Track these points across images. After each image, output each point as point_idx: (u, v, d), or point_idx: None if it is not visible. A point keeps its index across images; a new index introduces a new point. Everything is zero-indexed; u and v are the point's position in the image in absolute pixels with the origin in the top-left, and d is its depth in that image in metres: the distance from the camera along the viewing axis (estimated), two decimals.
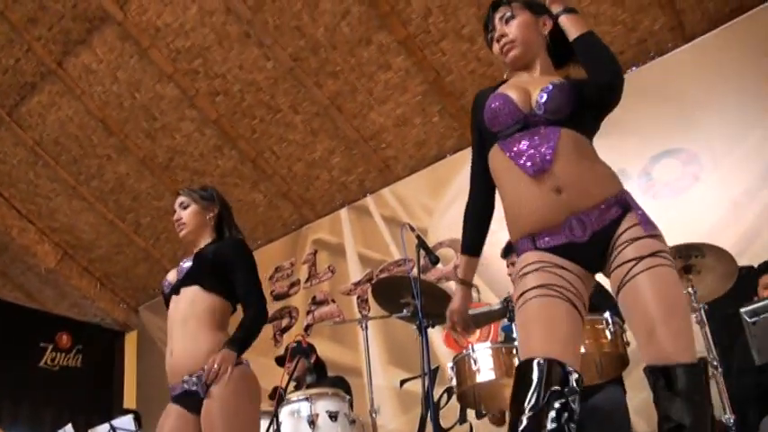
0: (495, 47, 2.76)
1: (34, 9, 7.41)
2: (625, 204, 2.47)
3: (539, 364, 2.22)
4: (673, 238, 4.22)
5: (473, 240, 2.87)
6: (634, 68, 6.81)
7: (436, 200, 7.65)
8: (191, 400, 3.31)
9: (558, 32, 2.69)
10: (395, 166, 8.15)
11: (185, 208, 3.72)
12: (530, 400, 2.18)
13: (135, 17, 7.38)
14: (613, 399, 4.12)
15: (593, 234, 2.42)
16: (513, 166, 2.52)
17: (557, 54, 2.76)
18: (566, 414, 2.17)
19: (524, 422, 2.16)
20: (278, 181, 8.58)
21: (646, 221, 2.46)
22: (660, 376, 2.23)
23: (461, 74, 7.22)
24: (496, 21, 2.76)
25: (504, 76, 2.81)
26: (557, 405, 2.16)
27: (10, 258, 9.85)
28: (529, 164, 2.47)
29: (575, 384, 2.22)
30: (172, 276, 3.62)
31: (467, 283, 2.94)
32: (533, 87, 2.60)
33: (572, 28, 2.60)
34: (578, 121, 2.54)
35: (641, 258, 2.34)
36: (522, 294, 2.41)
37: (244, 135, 8.22)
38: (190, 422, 3.33)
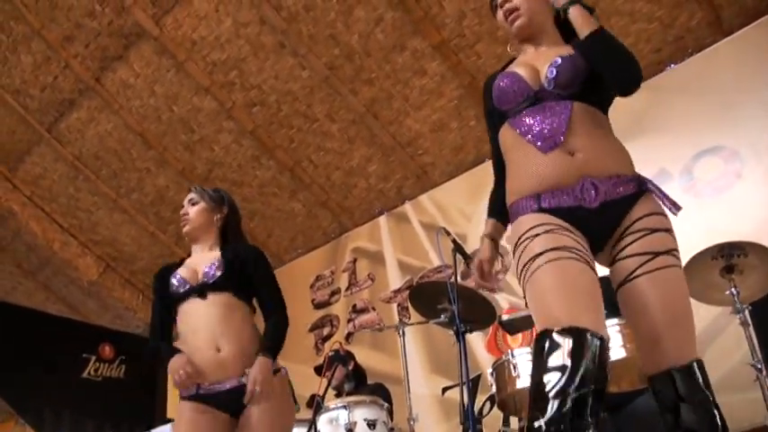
0: (500, 14, 2.58)
1: (70, 27, 7.51)
2: (642, 183, 2.32)
3: (578, 333, 1.99)
4: (715, 237, 4.17)
5: (498, 211, 2.66)
6: (672, 66, 6.71)
7: (474, 205, 7.58)
8: (230, 399, 3.27)
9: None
10: (432, 171, 8.12)
11: (194, 204, 3.68)
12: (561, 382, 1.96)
13: (170, 32, 7.44)
14: (654, 405, 4.04)
15: (604, 204, 2.24)
16: (523, 141, 2.37)
17: (565, 25, 2.54)
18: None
19: (554, 408, 1.93)
20: (316, 190, 8.59)
21: (662, 212, 2.29)
22: (665, 383, 2.15)
23: None
24: None
25: (509, 49, 2.66)
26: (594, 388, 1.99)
27: (53, 272, 9.99)
28: (540, 141, 2.33)
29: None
30: (188, 275, 3.51)
31: (492, 238, 2.69)
32: (541, 62, 2.45)
33: (582, 24, 2.41)
34: (591, 95, 2.40)
35: (654, 256, 2.19)
36: (529, 261, 2.18)
37: (281, 145, 8.24)
38: (225, 422, 3.29)
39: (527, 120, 2.38)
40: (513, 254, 2.29)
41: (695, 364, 2.14)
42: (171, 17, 7.33)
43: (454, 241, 4.26)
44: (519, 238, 2.27)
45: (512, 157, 2.44)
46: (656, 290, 2.16)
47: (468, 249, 5.15)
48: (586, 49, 2.38)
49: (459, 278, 4.31)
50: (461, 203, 7.76)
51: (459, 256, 4.23)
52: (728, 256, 4.07)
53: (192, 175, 8.71)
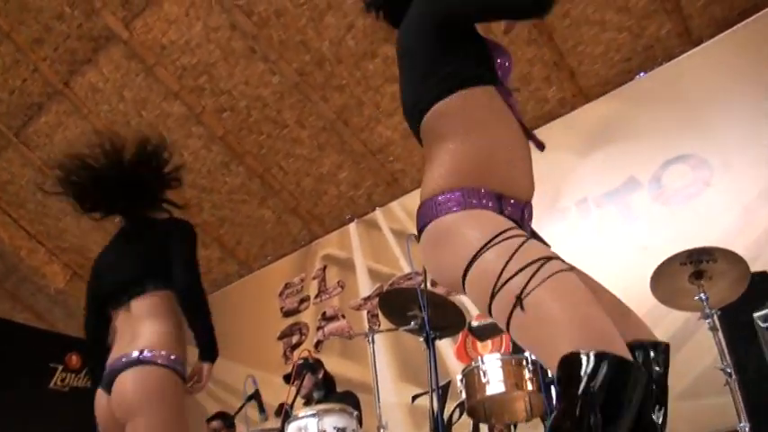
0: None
1: (39, 30, 7.42)
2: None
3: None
4: (684, 244, 4.19)
5: None
6: (642, 74, 6.75)
7: None
8: None
9: None
10: (403, 179, 8.10)
11: None
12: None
13: (140, 35, 7.38)
14: None
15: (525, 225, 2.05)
16: (511, 116, 2.08)
17: None
18: None
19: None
20: (286, 197, 8.54)
21: None
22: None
23: None
24: None
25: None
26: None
27: (20, 279, 9.85)
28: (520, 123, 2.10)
29: None
30: None
31: None
32: None
33: None
34: None
35: None
36: (545, 262, 1.77)
37: (251, 151, 8.20)
38: None
39: (511, 97, 2.13)
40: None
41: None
42: (141, 21, 7.27)
43: None
44: (503, 232, 1.84)
45: (492, 122, 2.06)
46: None
47: None
48: None
49: (429, 285, 4.29)
50: None
51: None
52: (697, 262, 4.08)
53: None
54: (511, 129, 2.06)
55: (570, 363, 1.63)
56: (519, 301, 1.73)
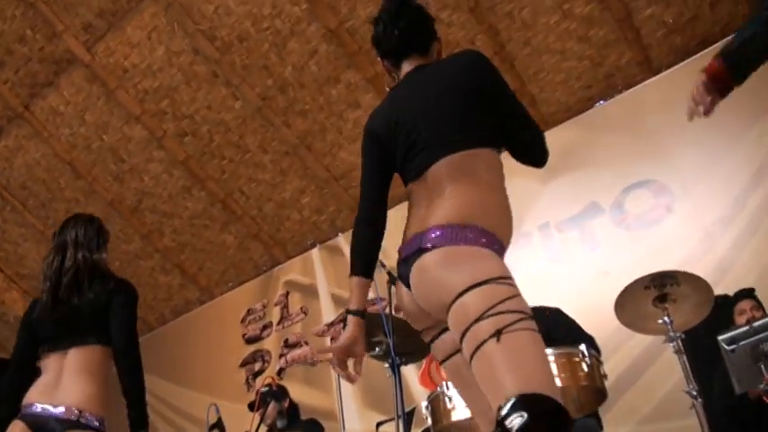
0: None
1: (0, 53, 7.35)
2: None
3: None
4: (646, 268, 4.22)
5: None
6: (602, 102, 6.83)
7: None
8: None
9: None
10: None
11: None
12: None
13: (102, 59, 7.34)
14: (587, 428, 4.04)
15: None
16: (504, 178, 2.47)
17: None
18: None
19: None
20: (248, 222, 8.49)
21: None
22: None
23: None
24: None
25: None
26: None
27: None
28: None
29: None
30: None
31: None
32: None
33: None
34: None
35: None
36: (521, 319, 2.06)
37: (213, 176, 8.15)
38: None
39: None
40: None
41: None
42: (103, 44, 7.23)
43: (389, 273, 4.22)
44: (509, 278, 2.16)
45: (503, 183, 2.46)
46: None
47: None
48: None
49: (393, 311, 4.27)
50: (395, 236, 7.70)
51: (393, 289, 4.19)
52: (661, 286, 4.11)
53: (121, 205, 8.55)
54: (504, 189, 2.44)
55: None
56: (498, 333, 2.00)
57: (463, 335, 2.10)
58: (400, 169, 2.59)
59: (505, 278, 2.12)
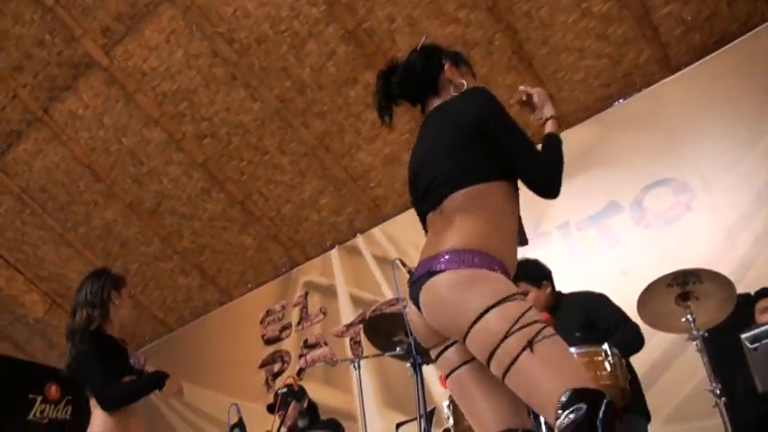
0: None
1: (19, 57, 7.40)
2: None
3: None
4: (667, 266, 4.20)
5: None
6: (621, 101, 6.81)
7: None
8: None
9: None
10: (384, 205, 8.10)
11: None
12: None
13: (120, 62, 7.37)
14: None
15: None
16: (516, 207, 2.62)
17: None
18: None
19: None
20: (267, 223, 8.51)
21: None
22: None
23: None
24: None
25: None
26: None
27: None
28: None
29: None
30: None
31: None
32: None
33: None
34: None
35: None
36: (544, 327, 2.25)
37: (231, 177, 8.17)
38: None
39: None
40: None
41: None
42: (121, 47, 7.27)
43: (410, 272, 4.21)
44: (517, 292, 2.35)
45: (507, 209, 2.58)
46: None
47: None
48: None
49: None
50: (414, 236, 7.67)
51: None
52: (683, 284, 4.09)
53: (140, 208, 8.59)
54: (515, 218, 2.60)
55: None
56: (530, 344, 2.15)
57: (491, 355, 2.23)
58: (418, 202, 2.78)
59: (516, 294, 2.30)
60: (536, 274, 4.57)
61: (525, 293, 4.55)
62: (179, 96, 7.57)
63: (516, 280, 4.00)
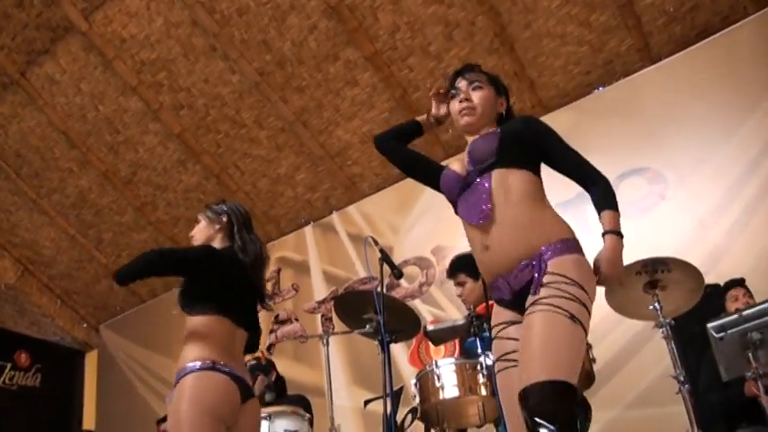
0: (456, 105, 2.95)
1: None
2: (539, 263, 2.57)
3: None
4: (638, 255, 4.22)
5: None
6: (600, 88, 6.84)
7: (402, 218, 7.60)
8: None
9: (509, 110, 3.01)
10: (361, 183, 8.10)
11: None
12: None
13: (100, 28, 7.29)
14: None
15: (514, 294, 2.63)
16: (466, 223, 2.79)
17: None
18: None
19: None
20: (242, 197, 8.47)
21: (539, 278, 2.55)
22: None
23: (428, 91, 7.15)
24: (463, 83, 2.97)
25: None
26: None
27: None
28: (474, 218, 2.73)
29: None
30: None
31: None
32: None
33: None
34: (512, 159, 2.74)
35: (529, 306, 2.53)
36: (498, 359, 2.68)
37: (208, 150, 8.13)
38: None
39: (463, 202, 2.80)
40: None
41: (526, 389, 2.34)
42: (101, 13, 7.19)
43: (382, 251, 4.22)
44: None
45: (468, 236, 2.82)
46: (523, 331, 2.51)
47: (395, 261, 5.13)
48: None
49: (385, 289, 4.28)
50: (389, 215, 7.75)
51: (386, 267, 4.20)
52: (652, 272, 4.11)
53: (115, 177, 8.53)
54: (469, 233, 2.84)
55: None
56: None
57: None
58: None
59: None
60: (475, 266, 4.60)
61: (463, 284, 4.63)
62: (158, 65, 7.51)
63: (456, 271, 4.20)
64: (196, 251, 3.63)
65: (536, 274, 2.54)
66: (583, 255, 2.64)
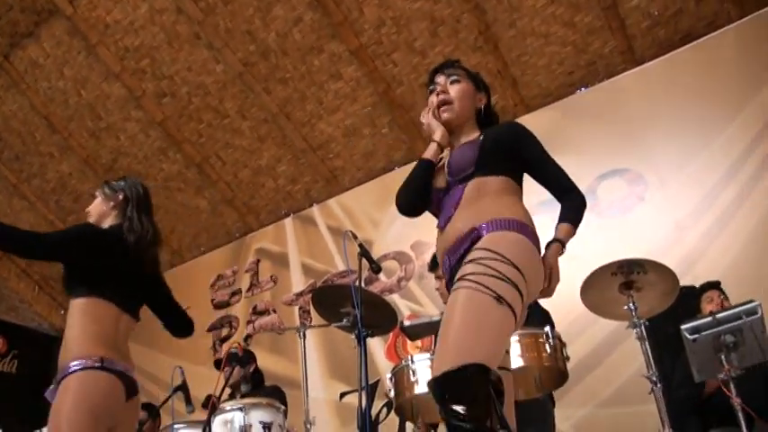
0: (433, 98, 2.91)
1: None
2: (471, 236, 2.53)
3: None
4: (615, 256, 4.25)
5: None
6: (583, 89, 6.87)
7: (382, 212, 7.60)
8: None
9: (488, 107, 2.98)
10: (342, 176, 8.10)
11: None
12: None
13: (84, 12, 7.26)
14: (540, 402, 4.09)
15: (452, 270, 2.56)
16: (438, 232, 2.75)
17: (485, 123, 2.94)
18: None
19: None
20: (222, 187, 8.46)
21: (465, 252, 2.52)
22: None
23: (412, 86, 7.20)
24: (442, 78, 2.93)
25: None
26: None
27: None
28: (441, 222, 2.72)
29: None
30: None
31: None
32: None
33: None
34: (492, 168, 2.70)
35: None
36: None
37: (189, 139, 8.11)
38: None
39: (441, 212, 2.76)
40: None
41: (439, 378, 2.19)
42: None
43: (361, 245, 4.23)
44: None
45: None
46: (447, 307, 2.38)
47: (375, 255, 5.14)
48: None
49: (363, 283, 4.29)
50: (370, 209, 7.76)
51: (364, 261, 4.21)
52: (628, 273, 4.14)
53: (95, 163, 8.49)
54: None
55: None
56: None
57: None
58: None
59: None
60: None
61: (442, 278, 4.65)
62: (141, 52, 7.48)
63: (437, 265, 4.21)
64: (70, 235, 3.48)
65: (464, 247, 2.50)
66: (530, 238, 2.55)
